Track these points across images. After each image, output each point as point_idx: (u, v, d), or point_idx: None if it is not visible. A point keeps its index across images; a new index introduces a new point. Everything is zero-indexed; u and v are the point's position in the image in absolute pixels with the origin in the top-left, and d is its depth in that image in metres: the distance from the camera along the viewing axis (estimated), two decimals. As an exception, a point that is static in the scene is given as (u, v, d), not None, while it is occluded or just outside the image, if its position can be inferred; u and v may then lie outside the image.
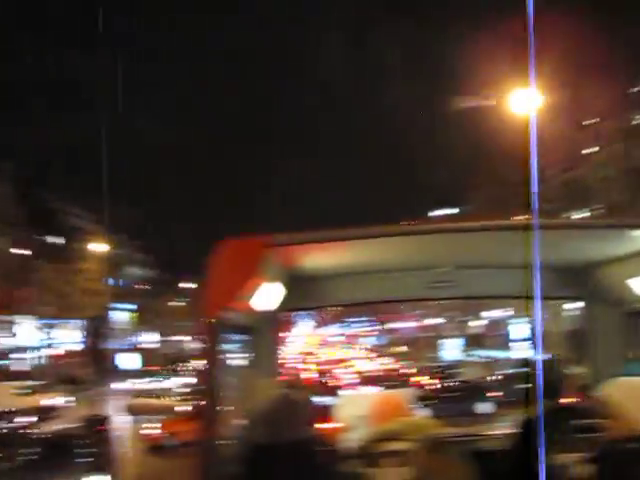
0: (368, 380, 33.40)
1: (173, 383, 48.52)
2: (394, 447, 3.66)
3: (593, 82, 22.96)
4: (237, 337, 3.59)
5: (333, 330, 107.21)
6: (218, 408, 2.98)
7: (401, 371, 43.11)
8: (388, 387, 23.90)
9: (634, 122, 26.00)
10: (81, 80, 78.31)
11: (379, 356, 64.39)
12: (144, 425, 27.27)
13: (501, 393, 25.90)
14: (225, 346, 3.15)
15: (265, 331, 3.91)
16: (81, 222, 53.60)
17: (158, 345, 71.95)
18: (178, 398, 35.78)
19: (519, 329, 39.05)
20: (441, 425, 3.92)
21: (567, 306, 24.50)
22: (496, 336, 48.14)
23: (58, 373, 49.76)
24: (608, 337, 4.09)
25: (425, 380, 34.65)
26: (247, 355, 3.76)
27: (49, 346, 52.93)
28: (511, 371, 30.24)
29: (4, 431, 20.95)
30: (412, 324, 67.56)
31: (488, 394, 27.52)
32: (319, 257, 3.47)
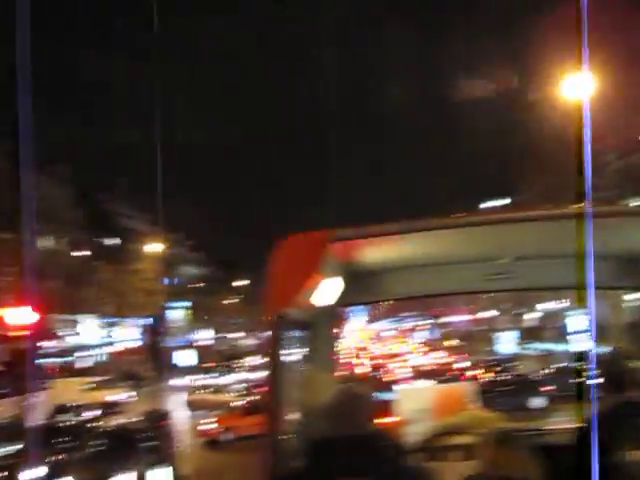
0: (422, 374, 33.18)
1: (229, 379, 49.24)
2: (459, 441, 3.65)
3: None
4: (298, 333, 3.63)
5: (386, 325, 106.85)
6: (282, 403, 3.02)
7: (455, 365, 42.67)
8: (442, 381, 23.68)
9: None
10: (133, 81, 79.67)
11: (432, 350, 63.84)
12: (202, 420, 27.79)
13: (558, 387, 25.39)
14: (287, 342, 3.19)
15: (325, 326, 3.93)
16: (136, 223, 54.78)
17: (212, 342, 72.97)
18: (234, 394, 36.33)
19: (577, 321, 38.04)
20: (506, 419, 3.89)
21: (629, 297, 23.85)
22: (552, 328, 47.18)
23: (119, 370, 51.13)
24: None
25: (479, 374, 34.23)
26: (307, 350, 3.80)
27: (110, 344, 54.35)
28: (568, 364, 29.62)
29: (73, 424, 21.74)
30: (465, 317, 66.79)
31: (544, 388, 27.04)
32: (378, 251, 3.48)
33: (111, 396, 35.21)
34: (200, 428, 26.05)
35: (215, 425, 25.94)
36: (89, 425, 21.74)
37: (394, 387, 26.48)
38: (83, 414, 26.80)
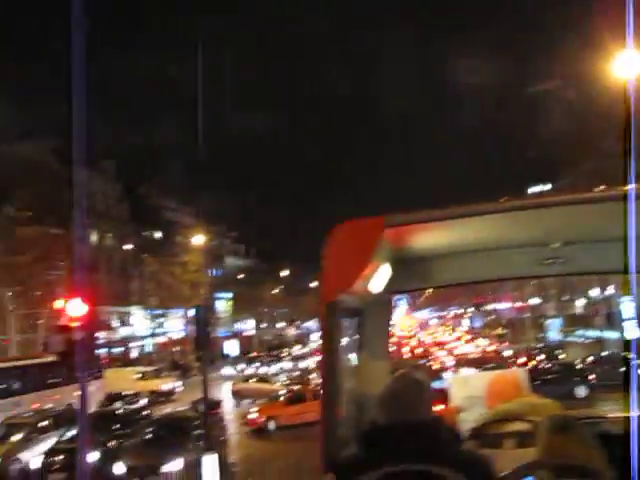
0: (468, 362, 32.97)
1: (274, 368, 49.69)
2: (515, 428, 3.61)
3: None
4: (352, 320, 3.64)
5: (432, 313, 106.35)
6: (336, 390, 3.03)
7: (501, 353, 42.27)
8: (488, 369, 23.45)
9: None
10: (175, 76, 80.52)
11: (478, 338, 63.30)
12: (248, 409, 28.13)
13: (607, 375, 24.94)
14: (342, 329, 3.20)
15: (378, 313, 3.94)
16: (180, 216, 55.49)
17: (255, 332, 73.63)
18: (279, 383, 36.63)
19: (626, 308, 37.34)
20: (562, 406, 3.84)
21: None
22: (600, 315, 46.26)
23: (167, 360, 52.12)
24: None
25: (525, 361, 33.86)
26: (362, 337, 3.81)
27: (157, 335, 55.38)
28: (617, 352, 29.02)
29: (125, 411, 22.30)
30: (511, 305, 65.97)
31: (591, 376, 26.60)
32: (431, 236, 3.46)
33: (160, 385, 36.00)
34: (247, 417, 26.33)
35: (260, 414, 26.17)
36: (140, 413, 22.28)
37: (445, 374, 26.38)
38: (134, 402, 27.48)
